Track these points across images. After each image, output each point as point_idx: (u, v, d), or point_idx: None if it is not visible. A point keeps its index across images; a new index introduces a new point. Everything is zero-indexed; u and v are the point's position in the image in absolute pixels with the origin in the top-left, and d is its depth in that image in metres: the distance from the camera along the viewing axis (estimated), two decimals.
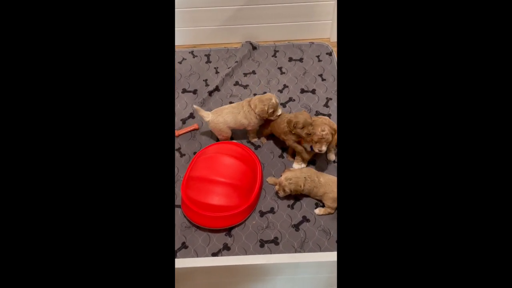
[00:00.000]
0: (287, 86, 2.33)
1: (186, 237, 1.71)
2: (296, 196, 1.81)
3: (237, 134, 2.07)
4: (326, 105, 2.21)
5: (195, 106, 1.97)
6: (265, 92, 2.29)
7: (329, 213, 1.74)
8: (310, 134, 1.72)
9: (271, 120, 1.94)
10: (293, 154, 1.95)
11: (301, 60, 2.49)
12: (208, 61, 2.52)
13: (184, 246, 1.69)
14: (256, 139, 2.05)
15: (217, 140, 2.05)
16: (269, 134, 2.04)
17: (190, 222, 1.74)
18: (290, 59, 2.50)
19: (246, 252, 1.65)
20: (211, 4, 2.48)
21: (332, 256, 1.36)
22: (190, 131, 2.12)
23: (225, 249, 1.67)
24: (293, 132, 1.79)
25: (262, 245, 1.67)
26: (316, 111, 2.18)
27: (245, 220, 1.75)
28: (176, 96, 2.30)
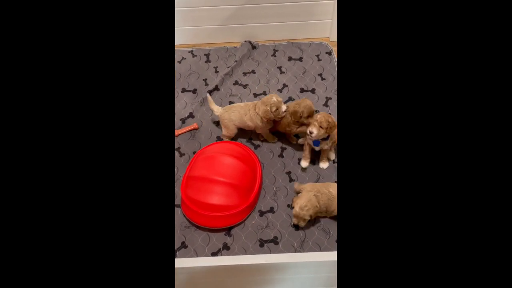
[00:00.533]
0: (287, 86, 2.33)
1: (185, 237, 1.71)
2: None
3: (237, 133, 2.06)
4: (325, 105, 2.21)
5: (208, 96, 2.02)
6: (264, 92, 2.30)
7: None
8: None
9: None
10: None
11: (300, 59, 2.49)
12: (208, 61, 2.52)
13: (183, 245, 1.69)
14: (275, 140, 2.04)
15: (217, 139, 2.05)
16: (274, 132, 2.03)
17: (190, 222, 1.74)
18: (290, 59, 2.50)
19: (245, 252, 1.65)
20: (211, 4, 2.48)
21: (332, 256, 1.36)
22: (190, 130, 2.12)
23: (225, 249, 1.67)
24: (299, 122, 1.84)
25: (261, 245, 1.67)
26: (316, 111, 2.17)
27: (244, 220, 1.75)
28: (175, 95, 2.30)
